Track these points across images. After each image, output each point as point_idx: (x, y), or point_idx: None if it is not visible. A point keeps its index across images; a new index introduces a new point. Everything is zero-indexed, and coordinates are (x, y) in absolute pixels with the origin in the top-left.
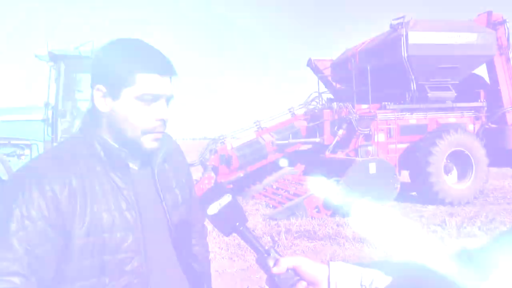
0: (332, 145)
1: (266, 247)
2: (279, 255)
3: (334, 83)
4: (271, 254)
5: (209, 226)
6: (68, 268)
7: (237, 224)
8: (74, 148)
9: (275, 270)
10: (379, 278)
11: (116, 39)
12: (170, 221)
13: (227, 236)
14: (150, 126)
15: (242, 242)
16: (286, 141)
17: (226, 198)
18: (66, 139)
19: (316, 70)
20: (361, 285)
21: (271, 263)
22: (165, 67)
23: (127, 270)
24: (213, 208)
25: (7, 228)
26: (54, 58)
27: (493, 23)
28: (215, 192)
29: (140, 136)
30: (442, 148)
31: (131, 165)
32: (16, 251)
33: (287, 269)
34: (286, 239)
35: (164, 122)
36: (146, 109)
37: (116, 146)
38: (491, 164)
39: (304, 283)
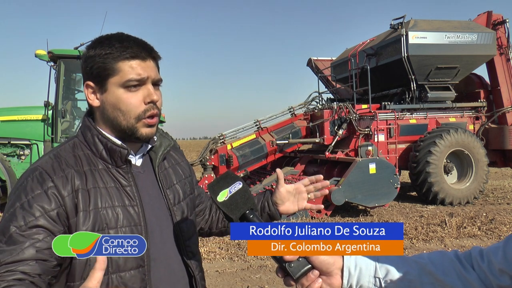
0: (332, 145)
1: None
2: None
3: (334, 83)
4: None
5: None
6: (74, 264)
7: (247, 211)
8: (75, 148)
9: (287, 257)
10: (394, 271)
11: (98, 37)
12: (173, 217)
13: None
14: (140, 110)
15: (242, 242)
16: (286, 141)
17: (237, 185)
18: (66, 140)
19: (316, 70)
20: (375, 277)
21: None
22: (145, 53)
23: (131, 265)
24: (224, 195)
25: (10, 226)
26: (54, 58)
27: (493, 23)
28: (226, 179)
29: (134, 123)
30: (442, 148)
31: (132, 162)
32: (20, 245)
33: (299, 257)
34: None
35: (154, 104)
36: (133, 95)
37: (119, 142)
38: (491, 164)
39: (316, 272)
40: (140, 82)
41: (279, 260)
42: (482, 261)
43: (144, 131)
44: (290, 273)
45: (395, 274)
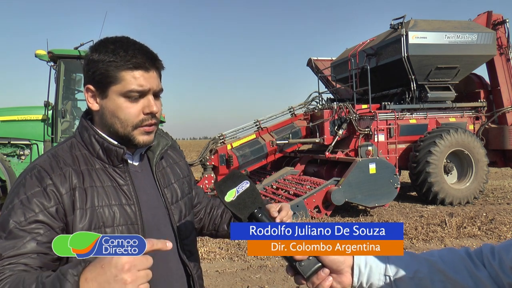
0: (332, 145)
1: None
2: None
3: (334, 83)
4: None
5: None
6: (72, 259)
7: (256, 210)
8: (72, 148)
9: (297, 256)
10: (404, 269)
11: (103, 39)
12: (171, 216)
13: None
14: (138, 120)
15: (242, 242)
16: (286, 141)
17: (244, 185)
18: (63, 140)
19: (316, 70)
20: (385, 275)
21: None
22: (149, 63)
23: None
24: (231, 195)
25: (10, 221)
26: (54, 58)
27: (493, 23)
28: (233, 179)
29: (130, 131)
30: (442, 148)
31: (130, 161)
32: (21, 240)
33: (309, 256)
34: None
35: (152, 115)
36: (133, 105)
37: (115, 142)
38: (491, 164)
39: (327, 271)
40: (141, 93)
41: (289, 259)
42: (493, 259)
43: (142, 138)
44: (300, 272)
45: (405, 272)
